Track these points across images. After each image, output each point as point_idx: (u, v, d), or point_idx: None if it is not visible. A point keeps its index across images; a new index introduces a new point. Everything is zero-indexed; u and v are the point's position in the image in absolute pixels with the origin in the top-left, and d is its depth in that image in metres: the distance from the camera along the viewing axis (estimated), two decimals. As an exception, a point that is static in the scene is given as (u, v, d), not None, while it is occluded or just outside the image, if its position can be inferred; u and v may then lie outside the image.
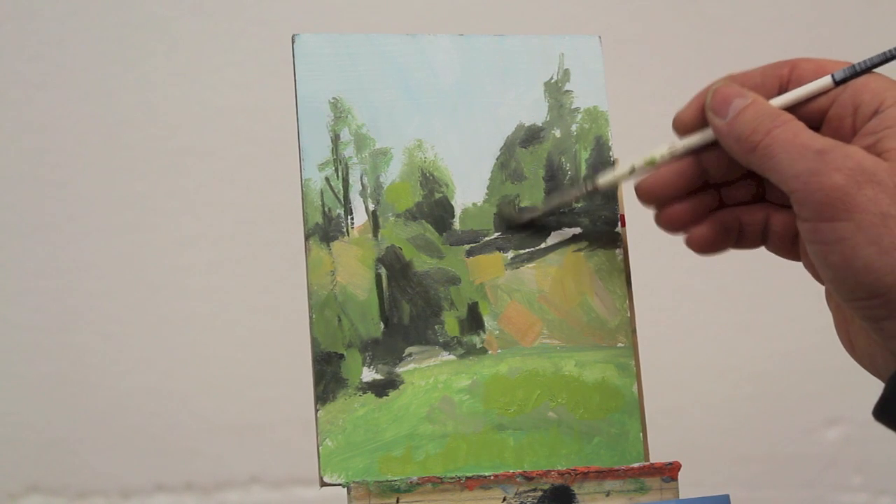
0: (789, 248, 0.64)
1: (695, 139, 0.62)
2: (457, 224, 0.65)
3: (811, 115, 0.60)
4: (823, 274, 0.57)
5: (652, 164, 0.63)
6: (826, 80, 0.60)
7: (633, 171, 0.63)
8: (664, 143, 0.63)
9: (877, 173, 0.56)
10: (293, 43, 0.65)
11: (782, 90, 0.61)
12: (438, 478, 0.61)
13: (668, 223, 0.64)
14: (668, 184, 0.63)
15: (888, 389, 0.58)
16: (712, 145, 0.62)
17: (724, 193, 0.64)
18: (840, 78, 0.60)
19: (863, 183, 0.55)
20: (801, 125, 0.58)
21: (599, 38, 0.68)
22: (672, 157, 0.63)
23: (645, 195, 0.63)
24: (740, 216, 0.64)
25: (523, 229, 0.65)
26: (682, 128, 0.63)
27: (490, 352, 0.64)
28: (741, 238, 0.64)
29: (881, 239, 0.55)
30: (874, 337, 0.58)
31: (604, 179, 0.64)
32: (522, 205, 0.65)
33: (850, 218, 0.55)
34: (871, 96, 0.59)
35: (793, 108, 0.60)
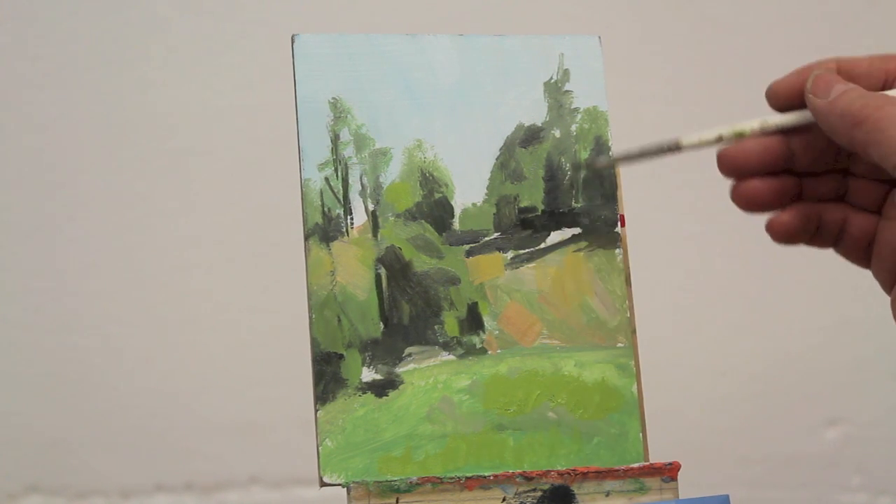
0: (862, 253, 0.63)
1: (790, 118, 0.61)
2: (456, 224, 0.65)
3: None
4: None
5: (741, 136, 0.61)
6: None
7: (719, 140, 0.61)
8: (756, 118, 0.61)
9: None
10: (293, 43, 0.65)
11: (888, 85, 0.60)
12: (438, 478, 0.61)
13: (743, 198, 0.62)
14: (752, 156, 0.61)
15: None
16: (804, 130, 0.61)
17: (805, 185, 0.63)
18: None
19: None
20: None
21: (599, 38, 0.68)
22: (762, 133, 0.61)
23: (726, 164, 0.61)
24: (820, 212, 0.63)
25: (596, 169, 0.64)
26: (775, 99, 0.61)
27: (490, 352, 0.64)
28: (817, 235, 0.63)
29: None
30: None
31: (688, 140, 0.62)
32: (522, 205, 0.65)
33: None
34: None
35: None
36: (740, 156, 0.61)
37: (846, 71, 0.60)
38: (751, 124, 0.61)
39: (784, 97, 0.61)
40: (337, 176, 0.64)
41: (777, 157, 0.61)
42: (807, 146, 0.61)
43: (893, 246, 0.61)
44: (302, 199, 0.63)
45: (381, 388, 0.63)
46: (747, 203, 0.62)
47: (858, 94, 0.58)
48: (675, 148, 0.62)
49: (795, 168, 0.62)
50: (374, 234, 0.64)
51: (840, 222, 0.63)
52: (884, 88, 0.60)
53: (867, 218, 0.63)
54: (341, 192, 0.64)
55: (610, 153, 0.64)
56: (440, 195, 0.65)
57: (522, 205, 0.65)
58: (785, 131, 0.61)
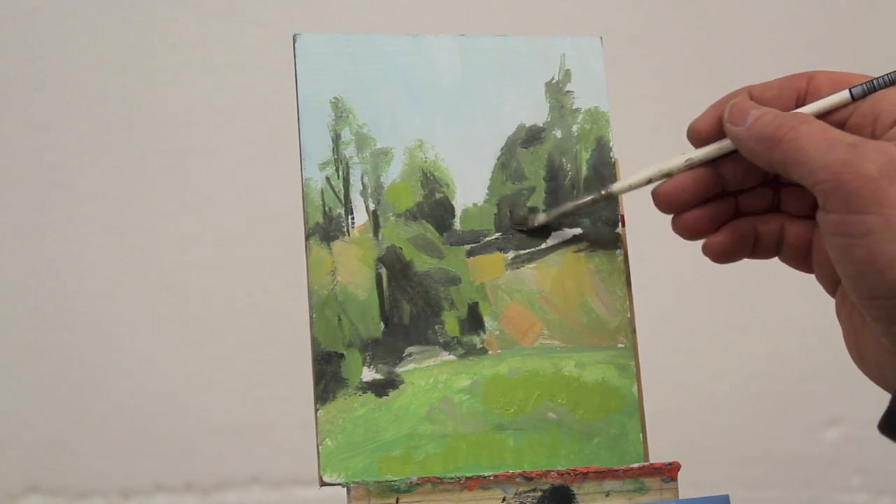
0: (802, 259, 0.64)
1: (711, 149, 0.62)
2: (457, 224, 0.65)
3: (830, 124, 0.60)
4: (844, 270, 0.57)
5: (669, 174, 0.63)
6: (844, 96, 0.60)
7: (649, 182, 0.63)
8: (680, 155, 0.63)
9: None
10: (294, 42, 0.65)
11: (800, 103, 0.61)
12: (438, 478, 0.61)
13: (684, 229, 0.64)
14: (684, 191, 0.63)
15: (895, 402, 0.58)
16: (728, 155, 0.62)
17: (740, 202, 0.64)
18: (858, 94, 0.60)
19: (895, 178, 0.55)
20: (827, 125, 0.58)
21: (601, 38, 0.68)
22: (688, 168, 0.63)
23: (662, 201, 0.63)
24: (756, 225, 0.64)
25: (525, 231, 0.65)
26: (697, 138, 0.63)
27: (490, 352, 0.64)
28: (756, 247, 0.64)
29: None
30: (885, 344, 0.58)
31: (619, 186, 0.64)
32: (528, 205, 0.65)
33: (880, 212, 0.55)
34: (891, 107, 0.59)
35: None
36: (674, 192, 0.63)
37: (758, 96, 0.62)
38: (676, 163, 0.63)
39: (705, 133, 0.63)
40: (338, 175, 0.64)
41: (707, 185, 0.63)
42: (734, 168, 0.63)
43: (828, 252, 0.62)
44: (303, 198, 0.64)
45: (381, 388, 0.63)
46: (689, 234, 0.64)
47: (773, 116, 0.59)
48: (607, 196, 0.64)
49: (728, 189, 0.64)
50: (375, 234, 0.64)
51: (777, 232, 0.64)
52: (797, 108, 0.61)
53: (803, 225, 0.64)
54: (342, 191, 0.64)
55: (542, 210, 0.65)
56: (441, 195, 0.65)
57: (528, 204, 0.65)
58: (710, 161, 0.63)
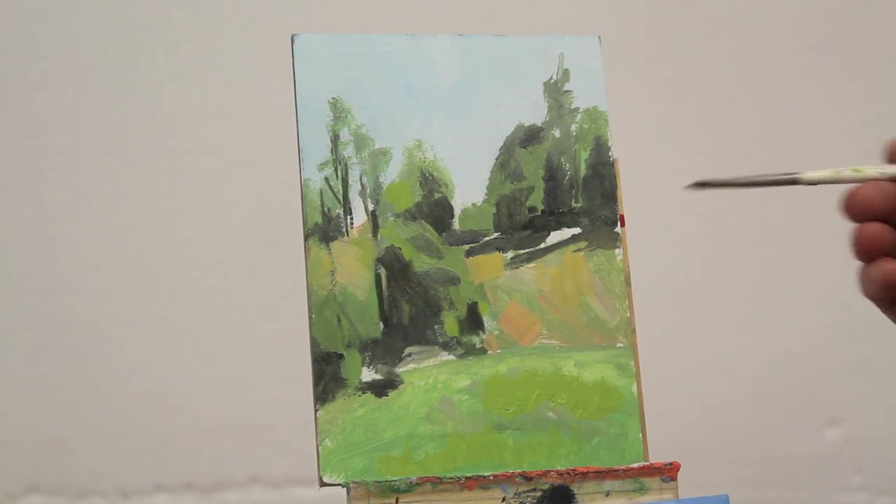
0: None
1: None
2: (456, 224, 0.65)
3: None
4: None
5: (863, 179, 0.61)
6: None
7: (840, 178, 0.61)
8: (882, 163, 0.61)
9: None
10: (292, 43, 0.65)
11: None
12: (438, 478, 0.61)
13: (866, 240, 0.61)
14: (882, 196, 0.60)
15: None
16: None
17: None
18: None
19: None
20: None
21: (599, 38, 0.68)
22: (882, 177, 0.61)
23: (857, 201, 0.60)
24: None
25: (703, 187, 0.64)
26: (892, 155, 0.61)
27: (489, 352, 0.64)
28: None
29: None
30: None
31: (814, 175, 0.62)
32: (528, 204, 0.65)
33: None
34: None
35: None
36: (870, 195, 0.60)
37: None
38: (877, 168, 0.61)
39: None
40: (337, 176, 0.64)
41: None
42: None
43: None
44: (302, 199, 0.63)
45: (380, 388, 0.63)
46: (869, 245, 0.60)
47: None
48: (792, 181, 0.62)
49: None
50: (374, 234, 0.64)
51: None
52: None
53: None
54: (341, 192, 0.64)
55: (725, 181, 0.63)
56: (440, 195, 0.65)
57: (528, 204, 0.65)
58: None
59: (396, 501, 0.60)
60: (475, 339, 0.64)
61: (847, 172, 0.62)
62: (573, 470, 0.62)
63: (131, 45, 1.14)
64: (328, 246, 0.63)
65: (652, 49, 1.19)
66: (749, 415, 1.20)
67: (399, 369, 0.63)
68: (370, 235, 0.64)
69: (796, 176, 0.62)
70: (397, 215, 0.64)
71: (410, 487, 0.60)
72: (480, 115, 0.66)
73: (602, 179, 0.66)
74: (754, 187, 0.63)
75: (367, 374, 0.63)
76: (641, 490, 0.62)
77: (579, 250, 0.66)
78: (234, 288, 1.14)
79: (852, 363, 1.17)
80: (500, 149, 0.66)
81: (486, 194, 0.65)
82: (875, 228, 0.61)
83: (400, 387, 0.63)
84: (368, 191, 0.64)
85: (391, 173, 0.65)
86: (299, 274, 0.65)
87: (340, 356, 0.62)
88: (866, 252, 0.61)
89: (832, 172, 0.62)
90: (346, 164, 0.64)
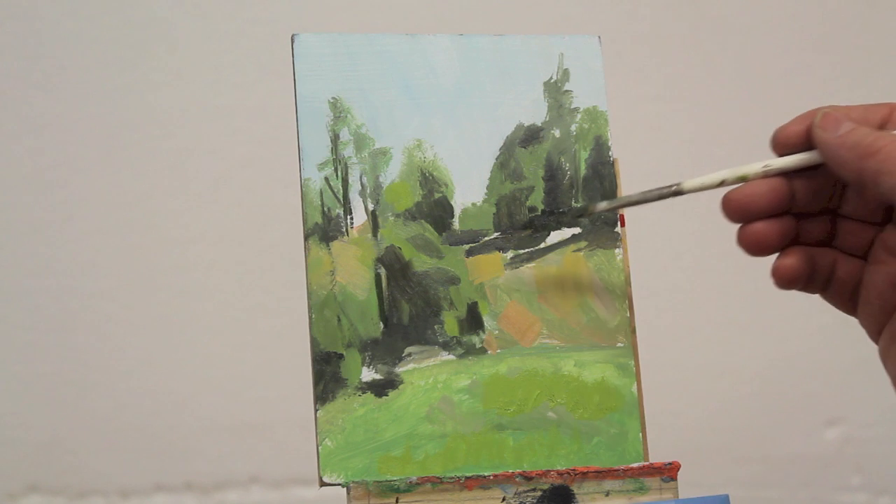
0: (848, 299, 0.63)
1: (792, 160, 0.62)
2: (456, 224, 0.65)
3: None
4: None
5: (743, 179, 0.62)
6: None
7: (721, 184, 0.62)
8: (758, 161, 0.62)
9: None
10: (293, 42, 0.65)
11: (882, 129, 0.61)
12: (438, 478, 0.61)
13: (751, 241, 0.62)
14: (760, 198, 0.61)
15: None
16: (804, 171, 0.61)
17: (801, 228, 0.63)
18: None
19: None
20: None
21: (599, 38, 0.68)
22: (764, 176, 0.62)
23: (734, 206, 0.62)
24: (814, 256, 0.63)
25: (583, 217, 0.65)
26: (781, 145, 0.62)
27: (489, 352, 0.64)
28: (809, 280, 0.63)
29: None
30: None
31: (690, 184, 0.63)
32: (528, 204, 0.65)
33: None
34: None
35: None
36: (747, 199, 0.62)
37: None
38: (754, 168, 0.62)
39: (791, 141, 0.62)
40: (337, 176, 0.64)
41: (781, 198, 0.62)
42: (807, 186, 0.62)
43: (879, 290, 0.62)
44: (302, 198, 0.64)
45: (380, 388, 0.63)
46: (756, 246, 0.62)
47: (868, 130, 0.59)
48: (676, 192, 0.63)
49: (794, 208, 0.63)
50: (374, 234, 0.64)
51: (830, 266, 0.63)
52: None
53: (854, 263, 0.63)
54: (341, 191, 0.64)
55: (607, 203, 0.65)
56: (440, 195, 0.65)
57: (529, 204, 0.65)
58: (786, 173, 0.62)
59: (396, 501, 0.60)
60: (475, 339, 0.64)
61: (727, 175, 0.62)
62: (573, 470, 0.62)
63: (131, 45, 1.14)
64: (328, 246, 0.63)
65: (652, 49, 1.19)
66: (749, 415, 1.20)
67: (399, 369, 0.63)
68: (370, 235, 0.64)
69: (679, 186, 0.63)
70: (397, 215, 0.64)
71: (410, 487, 0.60)
72: (480, 114, 0.66)
73: (602, 179, 0.66)
74: (641, 204, 0.64)
75: (367, 374, 0.63)
76: (641, 490, 0.62)
77: (579, 250, 0.66)
78: (234, 288, 1.14)
79: (852, 363, 1.17)
80: (500, 149, 0.66)
81: (486, 194, 0.65)
82: (757, 229, 0.62)
83: (400, 387, 0.63)
84: (368, 191, 0.64)
85: (391, 173, 0.65)
86: (299, 274, 0.65)
87: (340, 356, 0.62)
88: (754, 253, 0.63)
89: (714, 178, 0.62)
90: (346, 164, 0.64)
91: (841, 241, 0.63)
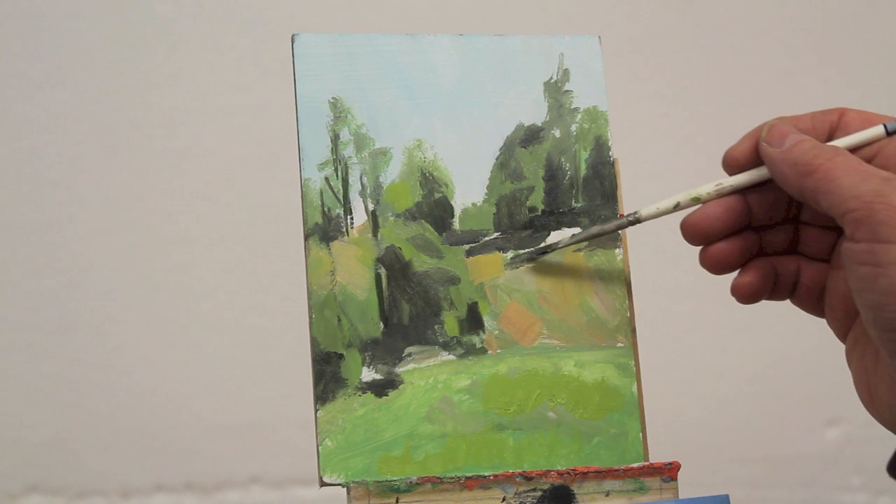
0: (815, 302, 0.64)
1: (742, 178, 0.62)
2: (456, 224, 0.65)
3: None
4: (866, 301, 0.56)
5: (697, 201, 0.63)
6: (878, 130, 0.61)
7: (677, 207, 0.63)
8: (710, 182, 0.63)
9: None
10: (293, 42, 0.65)
11: (831, 136, 0.62)
12: (438, 478, 0.61)
13: (712, 262, 0.63)
14: (716, 220, 0.62)
15: None
16: (758, 186, 0.62)
17: (763, 239, 0.64)
18: (893, 129, 0.60)
19: None
20: (860, 159, 0.59)
21: (599, 38, 0.68)
22: (718, 195, 0.63)
23: (692, 230, 0.63)
24: (776, 265, 0.64)
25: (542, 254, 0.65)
26: (733, 165, 0.63)
27: (490, 352, 0.64)
28: (774, 289, 0.64)
29: None
30: None
31: (647, 212, 0.63)
32: (528, 204, 0.65)
33: None
34: None
35: None
36: (703, 222, 0.63)
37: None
38: (706, 189, 0.63)
39: (742, 160, 0.63)
40: (337, 176, 0.64)
41: (737, 216, 0.63)
42: (761, 201, 0.63)
43: (842, 294, 0.62)
44: (302, 198, 0.64)
45: (380, 388, 0.63)
46: (717, 266, 0.64)
47: (811, 144, 0.59)
48: (634, 222, 0.64)
49: (753, 222, 0.64)
50: (374, 234, 0.64)
51: (794, 273, 0.64)
52: (828, 140, 0.62)
53: (818, 267, 0.64)
54: (341, 191, 0.64)
55: (571, 235, 0.65)
56: (440, 195, 0.65)
57: (528, 203, 0.65)
58: (740, 190, 0.63)
59: (396, 501, 0.60)
60: (475, 339, 0.64)
61: (681, 198, 0.63)
62: (573, 470, 0.62)
63: (131, 45, 1.14)
64: (328, 246, 0.63)
65: (652, 49, 1.19)
66: (749, 415, 1.20)
67: (399, 369, 0.63)
68: (370, 235, 0.64)
69: (637, 215, 0.64)
70: (397, 215, 0.64)
71: (410, 487, 0.60)
72: (480, 114, 0.66)
73: (602, 179, 0.66)
74: (602, 236, 0.65)
75: (368, 374, 0.63)
76: (641, 490, 0.62)
77: (579, 250, 0.66)
78: (234, 288, 1.14)
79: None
80: (500, 149, 0.66)
81: (486, 194, 0.65)
82: (717, 249, 0.63)
83: (400, 387, 0.63)
84: (368, 191, 0.64)
85: (391, 173, 0.65)
86: (299, 274, 0.65)
87: (340, 356, 0.62)
88: (717, 272, 0.64)
89: (668, 203, 0.63)
90: (346, 164, 0.64)
91: (804, 247, 0.64)
